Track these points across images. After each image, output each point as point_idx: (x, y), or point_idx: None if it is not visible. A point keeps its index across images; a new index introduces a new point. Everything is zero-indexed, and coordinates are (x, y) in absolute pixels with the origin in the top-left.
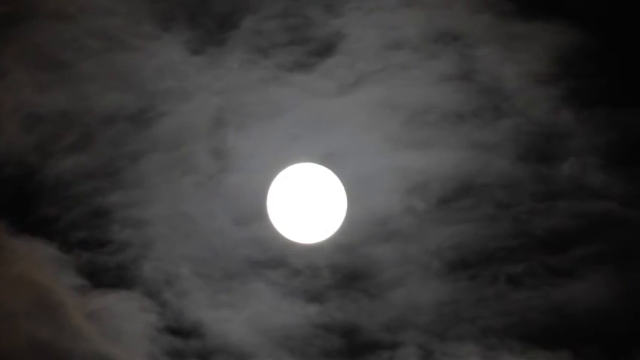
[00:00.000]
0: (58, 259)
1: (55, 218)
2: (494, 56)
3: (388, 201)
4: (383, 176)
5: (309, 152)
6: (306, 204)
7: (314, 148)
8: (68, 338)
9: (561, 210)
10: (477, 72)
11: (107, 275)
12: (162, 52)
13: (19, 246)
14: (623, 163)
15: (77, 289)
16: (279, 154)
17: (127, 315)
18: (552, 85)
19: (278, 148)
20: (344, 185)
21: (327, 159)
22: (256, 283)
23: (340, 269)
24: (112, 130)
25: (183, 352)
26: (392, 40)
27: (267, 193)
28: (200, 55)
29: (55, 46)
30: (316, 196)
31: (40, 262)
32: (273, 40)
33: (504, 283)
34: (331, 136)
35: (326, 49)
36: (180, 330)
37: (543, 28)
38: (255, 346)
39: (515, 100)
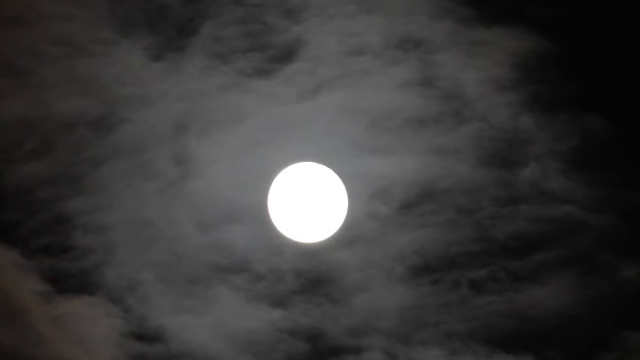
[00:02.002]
0: (21, 264)
1: (16, 224)
2: (455, 62)
3: (351, 206)
4: (345, 181)
5: (272, 158)
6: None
7: (276, 154)
8: (32, 344)
9: (523, 215)
10: (439, 78)
11: (70, 281)
12: (122, 58)
13: None
14: (584, 168)
15: (40, 294)
16: (242, 159)
17: (91, 320)
18: (513, 90)
19: (240, 154)
20: (307, 191)
21: (288, 164)
22: (220, 288)
23: (304, 274)
24: (73, 136)
25: (147, 357)
26: (353, 47)
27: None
28: (160, 62)
29: (14, 53)
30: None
31: (3, 267)
32: (232, 47)
33: (467, 288)
34: (293, 142)
35: (286, 55)
36: (144, 335)
37: (504, 34)
38: (220, 351)
39: (477, 106)
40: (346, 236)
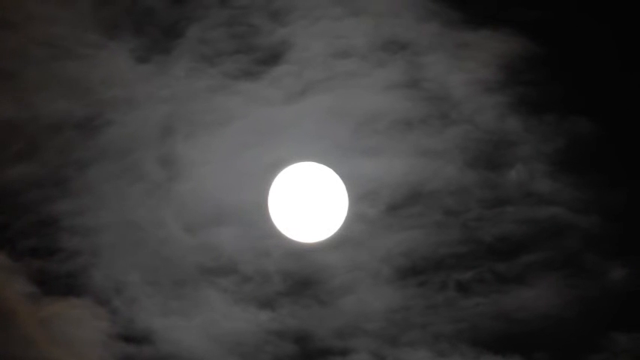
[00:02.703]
0: (8, 266)
1: (3, 226)
2: (441, 64)
3: (338, 208)
4: (332, 183)
5: (259, 160)
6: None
7: (263, 157)
8: (19, 345)
9: (510, 216)
10: (425, 80)
11: (58, 283)
12: (108, 61)
13: None
14: (571, 170)
15: (28, 296)
16: (229, 161)
17: (78, 322)
18: (500, 92)
19: (227, 156)
20: (293, 193)
21: (275, 166)
22: (207, 290)
23: (291, 275)
24: (59, 138)
25: (135, 359)
26: (339, 49)
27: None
28: (146, 64)
29: (0, 55)
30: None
31: None
32: (219, 49)
33: (454, 289)
34: (279, 145)
35: (273, 57)
36: (132, 337)
37: (490, 37)
38: (207, 353)
39: (463, 108)
40: (335, 238)
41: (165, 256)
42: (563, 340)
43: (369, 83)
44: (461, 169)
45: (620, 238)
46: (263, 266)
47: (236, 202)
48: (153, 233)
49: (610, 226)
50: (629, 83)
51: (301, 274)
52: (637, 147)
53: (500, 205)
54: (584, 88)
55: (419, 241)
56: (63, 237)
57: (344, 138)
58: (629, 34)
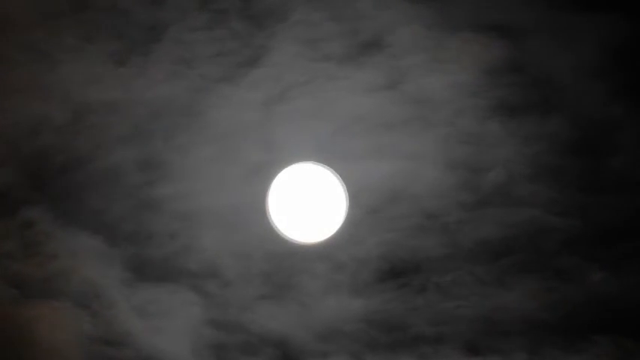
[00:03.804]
0: (104, 252)
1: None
2: (421, 67)
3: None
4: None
5: (238, 163)
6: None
7: (243, 160)
8: (113, 332)
9: (489, 219)
10: (405, 82)
11: (153, 268)
12: (87, 64)
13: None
14: (550, 172)
15: (123, 282)
16: (208, 165)
17: (173, 308)
18: (479, 95)
19: (207, 160)
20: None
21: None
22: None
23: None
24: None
25: (227, 346)
26: (318, 52)
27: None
28: (125, 67)
29: None
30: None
31: (86, 254)
32: (198, 52)
33: (434, 292)
34: (259, 148)
35: (252, 60)
36: (225, 324)
37: (471, 39)
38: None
39: (443, 110)
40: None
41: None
42: (544, 342)
43: (349, 86)
44: (441, 172)
45: (600, 240)
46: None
47: (220, 204)
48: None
49: (589, 229)
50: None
51: (281, 276)
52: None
53: (480, 208)
54: (565, 90)
55: (399, 244)
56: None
57: (324, 140)
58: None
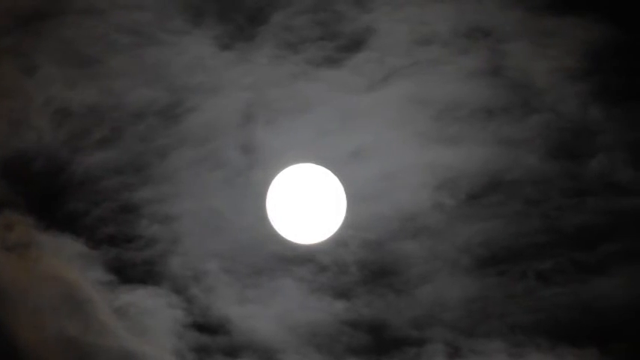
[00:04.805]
0: (86, 254)
1: (83, 214)
2: (524, 51)
3: (417, 197)
4: (411, 172)
5: (338, 148)
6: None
7: (343, 144)
8: (95, 334)
9: (590, 206)
10: (507, 67)
11: (134, 271)
12: (192, 48)
13: (46, 242)
14: None
15: (104, 284)
16: (305, 149)
17: (154, 311)
18: (582, 80)
19: (306, 143)
20: (369, 181)
21: (356, 154)
22: (283, 279)
23: (368, 265)
24: (141, 125)
25: (209, 348)
26: (422, 35)
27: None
28: (229, 51)
29: (85, 42)
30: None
31: (68, 257)
32: (302, 36)
33: (533, 279)
34: (360, 132)
35: (355, 44)
36: (207, 326)
37: (574, 23)
38: (282, 343)
39: (545, 96)
40: (411, 226)
41: (243, 244)
42: None
43: (451, 70)
44: (541, 159)
45: None
46: (340, 256)
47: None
48: (232, 221)
49: None
50: None
51: (379, 264)
52: None
53: (581, 195)
54: None
55: (498, 231)
56: (142, 224)
57: (424, 126)
58: None
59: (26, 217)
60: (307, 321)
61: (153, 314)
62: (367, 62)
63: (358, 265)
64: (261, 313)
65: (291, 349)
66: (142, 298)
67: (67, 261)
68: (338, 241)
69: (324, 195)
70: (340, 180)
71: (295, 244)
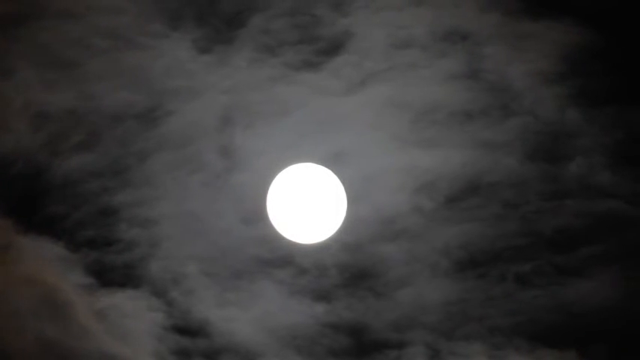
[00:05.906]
0: (65, 257)
1: (62, 217)
2: (502, 55)
3: (395, 200)
4: (390, 175)
5: (316, 151)
6: (306, 204)
7: (321, 147)
8: (75, 337)
9: (569, 209)
10: (485, 71)
11: (114, 274)
12: (170, 51)
13: (26, 245)
14: (630, 162)
15: (84, 287)
16: (285, 152)
17: (134, 314)
18: (560, 83)
19: (285, 147)
20: (348, 184)
21: (333, 158)
22: (263, 282)
23: (347, 268)
24: (120, 128)
25: (189, 351)
26: (400, 39)
27: (267, 192)
28: (208, 54)
29: (63, 45)
30: (318, 195)
31: (47, 261)
32: (281, 39)
33: (512, 281)
34: (338, 135)
35: (334, 47)
36: (187, 329)
37: (551, 27)
38: (263, 345)
39: (523, 99)
40: (391, 229)
41: (222, 247)
42: (621, 333)
43: (429, 74)
44: (520, 161)
45: None
46: (319, 259)
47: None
48: (210, 224)
49: None
50: None
51: (358, 267)
52: None
53: (560, 198)
54: None
55: (477, 234)
56: (121, 228)
57: (404, 129)
58: None
59: (5, 220)
60: (287, 324)
61: (133, 317)
62: (345, 66)
63: (338, 267)
64: (241, 316)
65: (271, 352)
66: (122, 301)
67: (46, 264)
68: (318, 243)
69: (321, 196)
70: (320, 183)
71: (295, 244)
